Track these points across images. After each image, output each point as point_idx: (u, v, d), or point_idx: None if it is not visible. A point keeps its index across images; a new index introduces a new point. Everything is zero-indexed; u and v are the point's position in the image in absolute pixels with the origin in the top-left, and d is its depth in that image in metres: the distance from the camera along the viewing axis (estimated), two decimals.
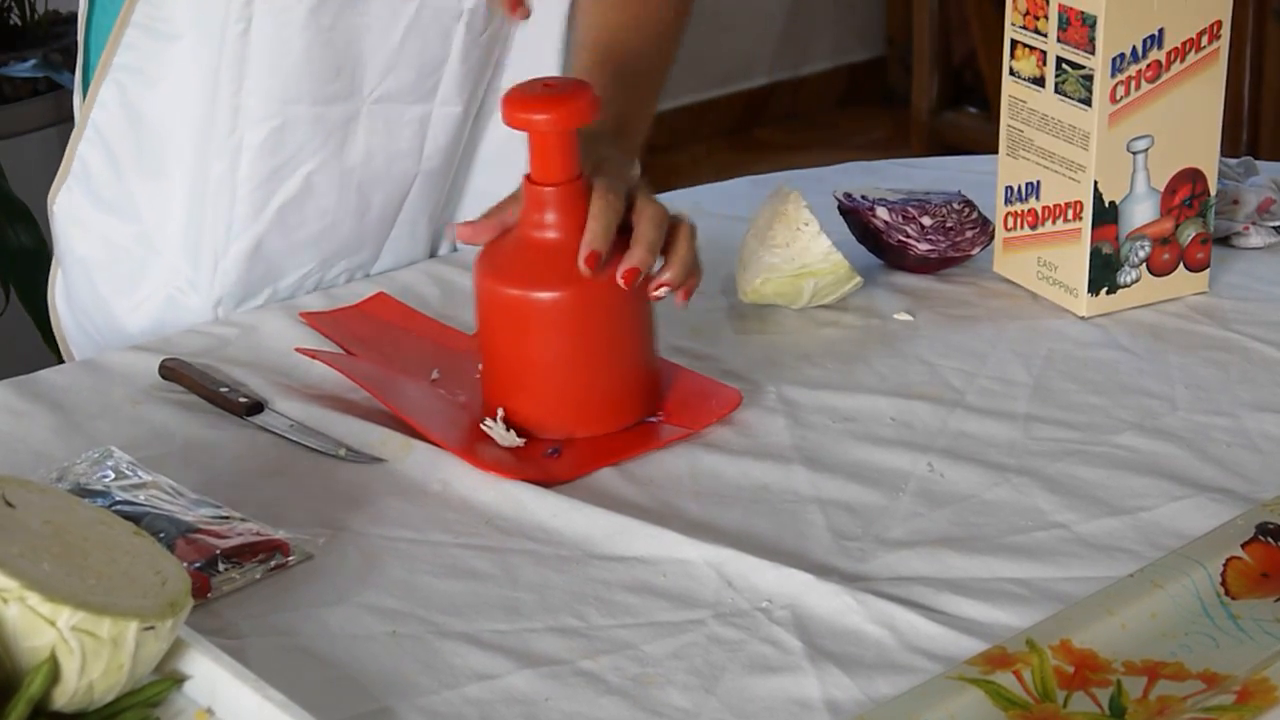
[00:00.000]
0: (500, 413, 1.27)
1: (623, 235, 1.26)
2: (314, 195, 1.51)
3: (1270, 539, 1.11)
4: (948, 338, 1.43)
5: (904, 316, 1.46)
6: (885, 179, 1.69)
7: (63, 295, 1.60)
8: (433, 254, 1.62)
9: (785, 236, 1.42)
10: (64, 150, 1.56)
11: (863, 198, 1.54)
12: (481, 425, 1.27)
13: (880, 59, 4.73)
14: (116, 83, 1.49)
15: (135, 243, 1.53)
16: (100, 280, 1.55)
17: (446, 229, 1.29)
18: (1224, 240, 1.58)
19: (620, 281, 1.24)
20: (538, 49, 1.55)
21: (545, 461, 1.25)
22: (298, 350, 1.39)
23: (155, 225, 1.52)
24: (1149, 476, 1.23)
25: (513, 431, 1.26)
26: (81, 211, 1.55)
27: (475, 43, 1.51)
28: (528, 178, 1.26)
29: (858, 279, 1.45)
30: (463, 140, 1.56)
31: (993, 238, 1.53)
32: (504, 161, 1.53)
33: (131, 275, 1.53)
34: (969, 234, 1.53)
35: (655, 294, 1.27)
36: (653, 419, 1.30)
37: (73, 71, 1.59)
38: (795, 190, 1.44)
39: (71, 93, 1.60)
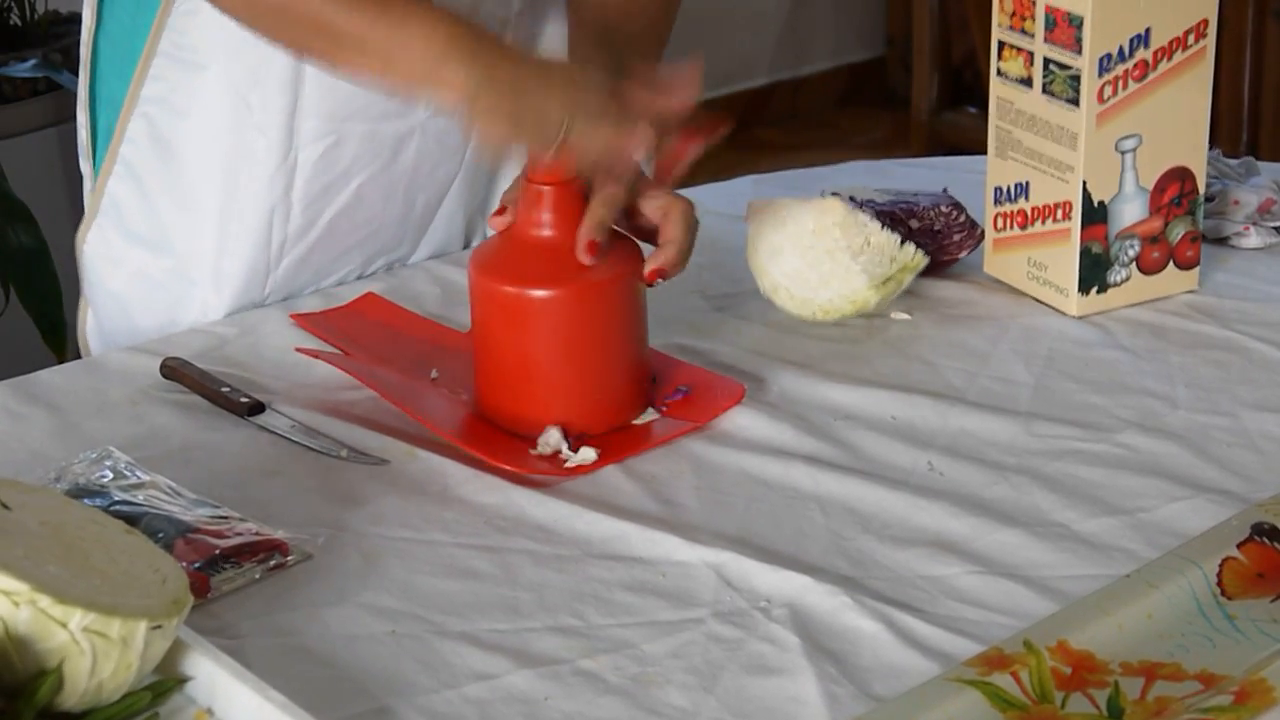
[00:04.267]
0: (557, 431, 1.26)
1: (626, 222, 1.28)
2: (363, 205, 1.52)
3: (1266, 539, 1.11)
4: (949, 337, 1.44)
5: (901, 316, 1.46)
6: (888, 179, 1.69)
7: (95, 332, 1.59)
8: (467, 244, 1.63)
9: (857, 241, 1.41)
10: (64, 150, 1.56)
11: (851, 198, 1.54)
12: (537, 444, 1.26)
13: (880, 59, 4.73)
14: (144, 115, 1.49)
15: (171, 276, 1.52)
16: (137, 315, 1.54)
17: (490, 221, 1.30)
18: (1223, 240, 1.59)
19: (646, 279, 1.26)
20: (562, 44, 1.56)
21: (555, 457, 1.25)
22: (299, 350, 1.39)
23: (189, 256, 1.52)
24: (1149, 476, 1.23)
25: (584, 450, 1.26)
26: (114, 248, 1.54)
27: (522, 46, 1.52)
28: (525, 176, 1.27)
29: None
30: None
31: (980, 240, 1.53)
32: None
33: (169, 308, 1.53)
34: (956, 236, 1.53)
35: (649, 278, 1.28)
36: (656, 415, 1.30)
37: (73, 71, 1.59)
38: (831, 198, 1.44)
39: (71, 93, 1.59)
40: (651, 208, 1.29)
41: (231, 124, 1.47)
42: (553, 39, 1.56)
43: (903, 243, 1.42)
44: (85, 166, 1.56)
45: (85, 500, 1.14)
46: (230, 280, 1.50)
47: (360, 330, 1.44)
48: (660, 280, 1.28)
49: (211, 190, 1.49)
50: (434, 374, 1.37)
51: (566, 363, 1.27)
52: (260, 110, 1.45)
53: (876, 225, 1.42)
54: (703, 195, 1.73)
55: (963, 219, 1.53)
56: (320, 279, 1.54)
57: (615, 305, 1.27)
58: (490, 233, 1.63)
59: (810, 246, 1.41)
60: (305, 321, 1.46)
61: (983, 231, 1.53)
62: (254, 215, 1.49)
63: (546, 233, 1.26)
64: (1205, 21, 1.43)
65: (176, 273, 1.52)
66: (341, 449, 1.27)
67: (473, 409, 1.31)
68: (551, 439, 1.26)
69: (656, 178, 1.29)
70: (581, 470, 1.24)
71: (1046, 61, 1.43)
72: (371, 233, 1.54)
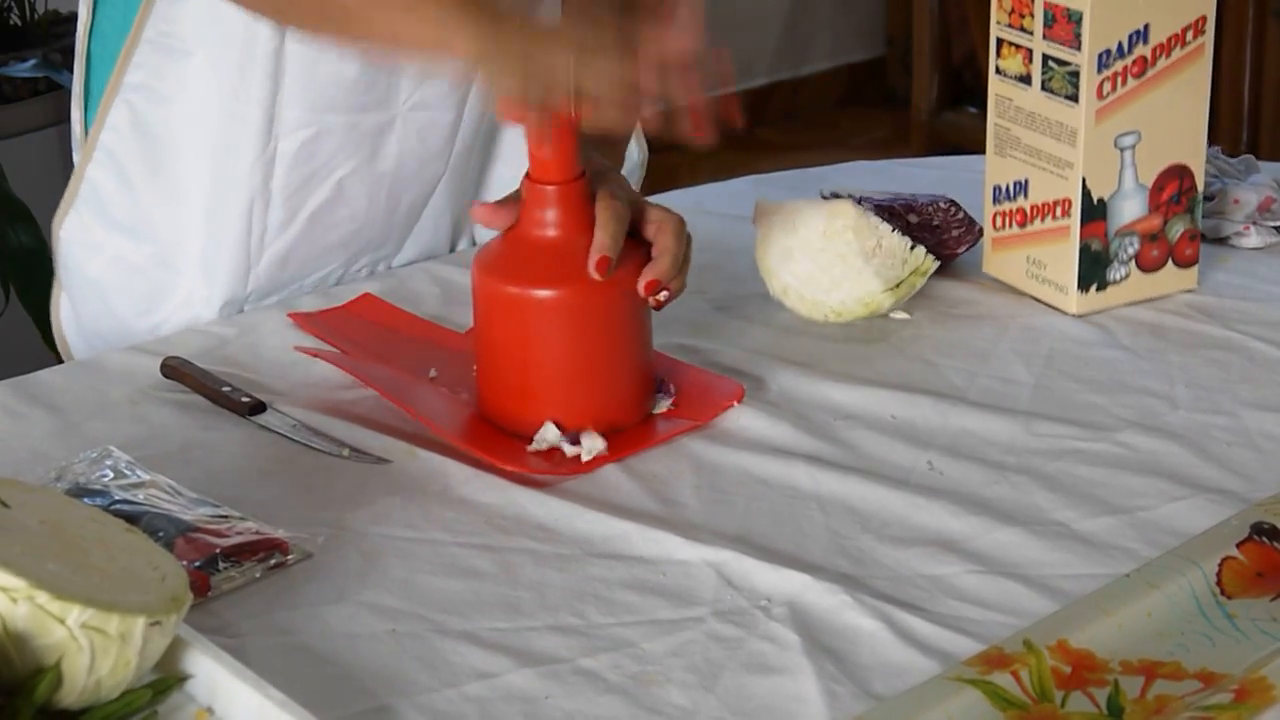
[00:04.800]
0: (554, 427, 1.26)
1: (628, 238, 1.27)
2: (345, 200, 1.51)
3: (1265, 538, 1.11)
4: (949, 336, 1.44)
5: (901, 315, 1.46)
6: (889, 180, 1.69)
7: (70, 319, 1.59)
8: (453, 245, 1.62)
9: (869, 244, 1.41)
10: (64, 150, 1.56)
11: (849, 197, 1.54)
12: (533, 440, 1.26)
13: (880, 59, 4.73)
14: (127, 103, 1.49)
15: (152, 263, 1.52)
16: (116, 302, 1.54)
17: (471, 210, 1.30)
18: (1224, 239, 1.59)
19: (642, 291, 1.25)
20: None
21: (554, 454, 1.25)
22: (298, 349, 1.39)
23: (172, 244, 1.52)
24: (1149, 475, 1.23)
25: (589, 439, 1.26)
26: (93, 233, 1.54)
27: None
28: (528, 176, 1.27)
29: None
30: (485, 135, 1.57)
31: (979, 237, 1.53)
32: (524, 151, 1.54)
33: (150, 295, 1.53)
34: (955, 232, 1.52)
35: (658, 298, 1.27)
36: (656, 413, 1.30)
37: (72, 71, 1.59)
38: (843, 199, 1.43)
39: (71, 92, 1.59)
40: (644, 223, 1.29)
41: (215, 111, 1.47)
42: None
43: (913, 246, 1.42)
44: (77, 160, 1.56)
45: (86, 499, 1.14)
46: (213, 270, 1.50)
47: (358, 331, 1.44)
48: (663, 294, 1.27)
49: (195, 178, 1.49)
50: (432, 373, 1.37)
51: (570, 363, 1.27)
52: (243, 99, 1.45)
53: (887, 228, 1.42)
54: (703, 195, 1.74)
55: (961, 215, 1.53)
56: (304, 276, 1.54)
57: (619, 306, 1.27)
58: (477, 233, 1.63)
59: (821, 249, 1.41)
60: (303, 321, 1.46)
61: (981, 229, 1.53)
62: (234, 205, 1.49)
63: (550, 233, 1.26)
64: (1204, 18, 1.43)
65: (158, 260, 1.52)
66: (343, 448, 1.27)
67: (473, 409, 1.31)
68: (549, 435, 1.26)
69: (693, 124, 1.26)
70: (581, 469, 1.24)
71: (1045, 58, 1.43)
72: (355, 230, 1.54)
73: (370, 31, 1.27)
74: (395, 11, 1.25)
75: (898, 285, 1.42)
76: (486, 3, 1.25)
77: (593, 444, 1.25)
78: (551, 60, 1.19)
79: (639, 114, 1.21)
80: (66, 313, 1.59)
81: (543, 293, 1.25)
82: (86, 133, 1.54)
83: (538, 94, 1.19)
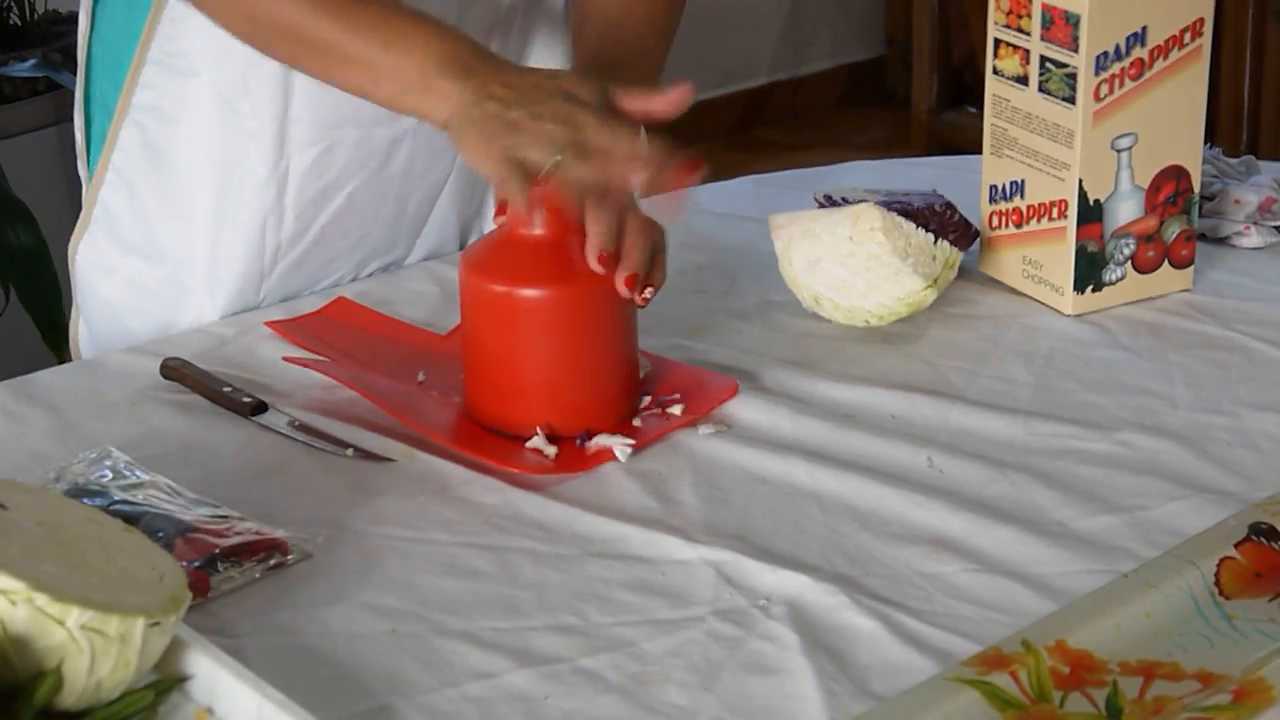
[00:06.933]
0: (538, 430, 1.27)
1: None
2: (356, 209, 1.52)
3: (1263, 539, 1.11)
4: (949, 336, 1.44)
5: None
6: (889, 179, 1.69)
7: (87, 340, 1.59)
8: (463, 244, 1.62)
9: (900, 244, 1.41)
10: (64, 150, 1.55)
11: (843, 199, 1.54)
12: (526, 445, 1.26)
13: (880, 59, 4.73)
14: (136, 124, 1.49)
15: (165, 284, 1.52)
16: (131, 323, 1.54)
17: (495, 220, 1.31)
18: (1224, 239, 1.59)
19: (623, 289, 1.25)
20: (558, 44, 1.56)
21: (555, 454, 1.25)
22: (287, 359, 1.38)
23: (183, 263, 1.52)
24: (1148, 475, 1.23)
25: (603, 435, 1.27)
26: (107, 256, 1.54)
27: (510, 47, 1.52)
28: None
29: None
30: None
31: (974, 239, 1.53)
32: None
33: (163, 316, 1.52)
34: (951, 236, 1.52)
35: (644, 296, 1.27)
36: (652, 412, 1.30)
37: (72, 71, 1.59)
38: (865, 204, 1.43)
39: (71, 92, 1.59)
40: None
41: (223, 131, 1.46)
42: (548, 39, 1.56)
43: (936, 240, 1.42)
44: (82, 170, 1.56)
45: (85, 500, 1.14)
46: (225, 287, 1.50)
47: (338, 336, 1.43)
48: (647, 291, 1.27)
49: (204, 197, 1.49)
50: (420, 377, 1.37)
51: (557, 362, 1.27)
52: (251, 117, 1.45)
53: (912, 226, 1.42)
54: (703, 195, 1.74)
55: (956, 218, 1.53)
56: (314, 283, 1.54)
57: (605, 305, 1.27)
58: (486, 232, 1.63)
59: (851, 254, 1.41)
60: (282, 329, 1.45)
61: (976, 231, 1.53)
62: (247, 222, 1.49)
63: (537, 232, 1.26)
64: (1201, 20, 1.43)
65: (171, 280, 1.52)
66: (345, 448, 1.27)
67: (465, 411, 1.31)
68: (540, 441, 1.26)
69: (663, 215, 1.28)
70: (580, 467, 1.24)
71: (1043, 59, 1.43)
72: (363, 236, 1.54)
73: (353, 69, 1.28)
74: (374, 49, 1.25)
75: (935, 280, 1.42)
76: (471, 60, 1.25)
77: (606, 441, 1.25)
78: (525, 146, 1.20)
79: (609, 198, 1.23)
80: (84, 334, 1.59)
81: (528, 292, 1.25)
82: (88, 139, 1.54)
83: (507, 172, 1.21)
